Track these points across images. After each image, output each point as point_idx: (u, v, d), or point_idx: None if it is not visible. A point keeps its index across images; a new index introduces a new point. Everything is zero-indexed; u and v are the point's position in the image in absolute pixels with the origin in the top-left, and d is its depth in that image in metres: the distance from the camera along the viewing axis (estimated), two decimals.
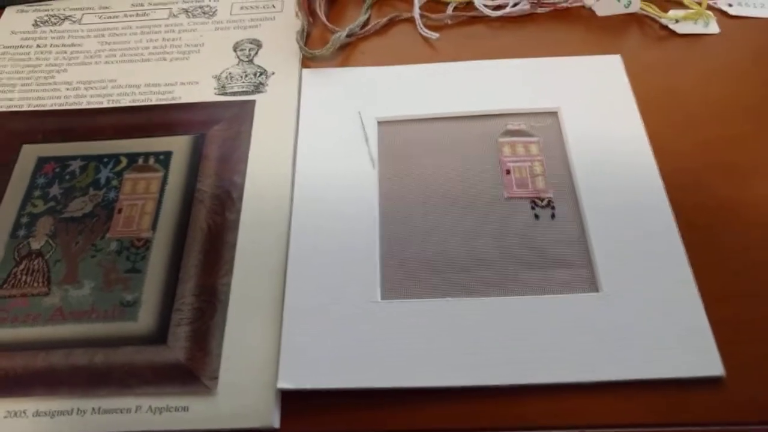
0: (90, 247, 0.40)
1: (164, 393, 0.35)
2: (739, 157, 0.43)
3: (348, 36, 0.51)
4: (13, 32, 0.54)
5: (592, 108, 0.45)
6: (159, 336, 0.37)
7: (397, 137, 0.45)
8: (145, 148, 0.45)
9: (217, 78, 0.49)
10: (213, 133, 0.46)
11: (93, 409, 0.34)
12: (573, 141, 0.44)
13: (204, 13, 0.55)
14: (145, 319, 0.37)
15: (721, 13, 0.53)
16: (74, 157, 0.45)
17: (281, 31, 0.52)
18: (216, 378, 0.35)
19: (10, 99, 0.49)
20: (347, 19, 0.54)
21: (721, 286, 0.37)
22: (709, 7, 0.53)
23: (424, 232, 0.40)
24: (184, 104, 0.48)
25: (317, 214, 0.41)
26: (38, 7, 0.56)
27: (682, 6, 0.53)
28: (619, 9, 0.52)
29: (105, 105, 0.48)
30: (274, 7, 0.55)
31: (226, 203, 0.42)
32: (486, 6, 0.53)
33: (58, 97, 0.49)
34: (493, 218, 0.41)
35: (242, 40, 0.52)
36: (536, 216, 0.41)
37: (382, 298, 0.38)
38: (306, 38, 0.52)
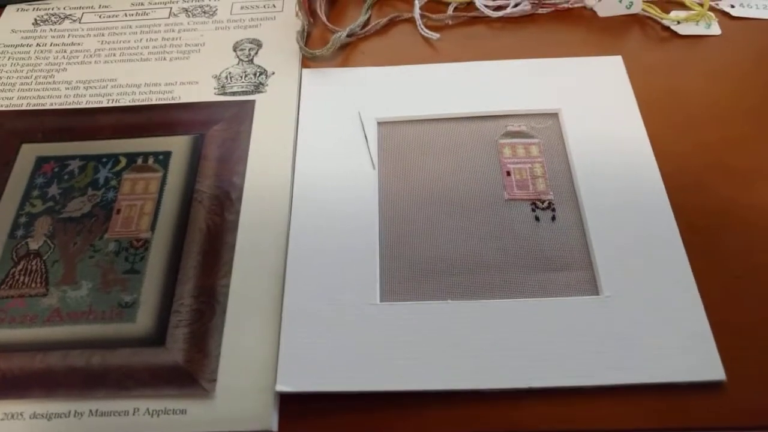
0: (88, 248, 0.40)
1: (162, 395, 0.34)
2: (740, 159, 0.43)
3: (348, 36, 0.51)
4: (13, 31, 0.54)
5: (593, 109, 0.45)
6: (157, 338, 0.36)
7: (397, 138, 0.45)
8: (145, 148, 0.45)
9: (217, 78, 0.49)
10: (212, 133, 0.45)
11: (90, 411, 0.34)
12: (574, 142, 0.43)
13: (204, 12, 0.54)
14: (143, 320, 0.37)
15: (723, 15, 0.53)
16: (73, 157, 0.45)
17: (281, 31, 0.52)
18: (214, 380, 0.35)
19: (10, 98, 0.49)
20: (347, 19, 0.54)
21: (722, 290, 0.37)
22: (711, 9, 0.52)
23: (424, 234, 0.40)
24: (184, 104, 0.48)
25: (317, 214, 0.41)
26: (38, 6, 0.56)
27: (684, 7, 0.53)
28: (620, 10, 0.52)
29: (104, 104, 0.48)
30: (274, 6, 0.55)
31: (225, 204, 0.42)
32: (487, 6, 0.53)
33: (58, 97, 0.49)
34: (493, 220, 0.40)
35: (242, 40, 0.52)
36: (537, 218, 0.40)
37: (382, 300, 0.38)
38: (306, 38, 0.52)
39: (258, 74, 0.49)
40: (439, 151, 0.44)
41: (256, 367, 0.35)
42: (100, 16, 0.55)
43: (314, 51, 0.50)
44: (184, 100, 0.48)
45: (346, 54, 0.51)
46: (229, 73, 0.49)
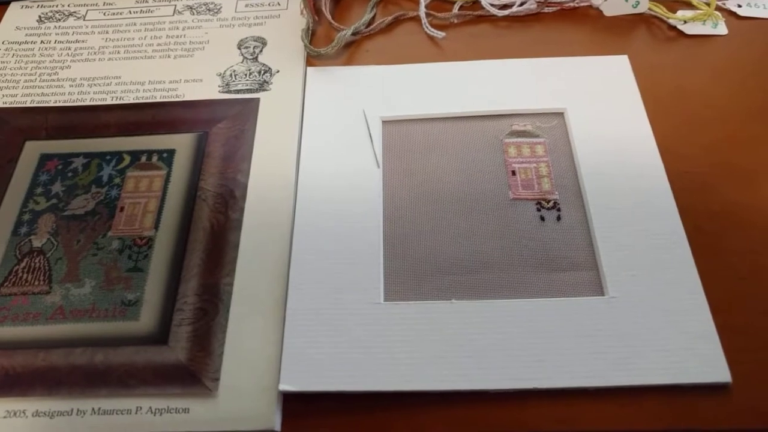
0: (91, 246, 0.40)
1: (165, 394, 0.34)
2: (747, 159, 0.43)
3: (353, 34, 0.51)
4: (17, 28, 0.54)
5: (599, 109, 0.45)
6: (160, 336, 0.36)
7: (402, 137, 0.45)
8: (148, 145, 0.45)
9: (222, 76, 0.49)
10: (216, 131, 0.45)
11: (93, 409, 0.34)
12: (579, 142, 0.43)
13: (209, 10, 0.54)
14: (146, 318, 0.37)
15: (730, 14, 0.52)
16: (77, 154, 0.45)
17: (286, 29, 0.52)
18: (217, 379, 0.34)
19: (14, 95, 0.49)
20: (352, 17, 0.53)
21: (728, 291, 0.37)
22: (718, 8, 0.52)
23: (429, 233, 0.40)
24: (188, 102, 0.47)
25: (320, 213, 0.41)
26: (43, 3, 0.56)
27: (691, 7, 0.52)
28: (626, 9, 0.52)
29: (108, 102, 0.48)
30: (279, 4, 0.54)
31: (229, 202, 0.42)
32: (492, 5, 0.52)
33: (62, 94, 0.49)
34: (498, 219, 0.40)
35: (247, 38, 0.52)
36: (542, 218, 0.40)
37: (385, 299, 0.37)
38: (311, 36, 0.52)
39: (262, 72, 0.49)
40: (444, 150, 0.44)
41: (260, 366, 0.35)
42: (104, 14, 0.55)
43: (319, 49, 0.49)
44: (188, 97, 0.48)
45: (350, 52, 0.51)
46: (234, 71, 0.49)
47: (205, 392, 0.34)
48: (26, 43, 0.53)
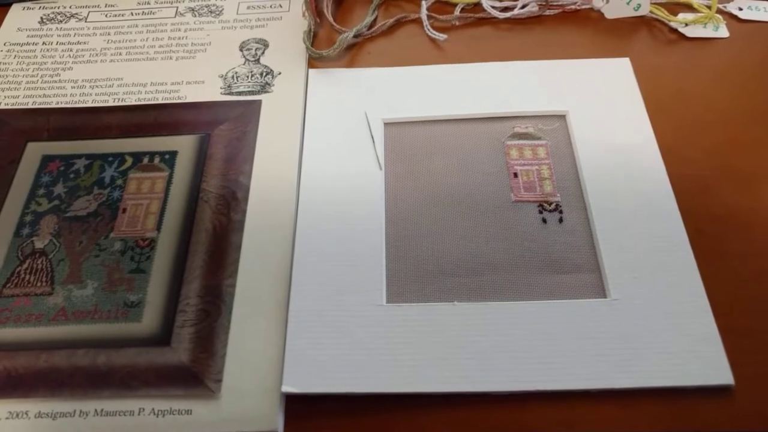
0: (94, 247, 0.40)
1: (167, 395, 0.34)
2: (749, 162, 0.43)
3: (355, 36, 0.51)
4: (19, 29, 0.54)
5: (601, 111, 0.45)
6: (163, 337, 0.36)
7: (404, 139, 0.45)
8: (151, 147, 0.45)
9: (223, 77, 0.49)
10: (218, 132, 0.45)
11: (95, 410, 0.34)
12: (581, 144, 0.43)
13: (210, 12, 0.54)
14: (148, 320, 0.37)
15: (731, 17, 0.52)
16: (79, 156, 0.45)
17: (288, 31, 0.52)
18: (220, 381, 0.34)
19: (16, 96, 0.49)
20: (354, 19, 0.53)
21: (730, 294, 0.37)
22: (719, 11, 0.52)
23: (431, 235, 0.40)
24: (190, 103, 0.47)
25: (323, 215, 0.41)
26: (44, 5, 0.56)
27: (692, 9, 0.53)
28: (628, 12, 0.52)
29: (110, 103, 0.48)
30: (281, 6, 0.55)
31: (232, 204, 0.42)
32: (494, 8, 0.53)
33: (64, 95, 0.49)
34: (500, 222, 0.40)
35: (249, 40, 0.52)
36: (544, 220, 0.40)
37: (388, 301, 0.37)
38: (313, 38, 0.52)
39: (264, 74, 0.49)
40: (446, 152, 0.44)
41: (262, 367, 0.35)
42: (106, 15, 0.55)
43: (321, 51, 0.50)
44: (190, 99, 0.48)
45: (352, 54, 0.51)
46: (236, 72, 0.49)
47: (208, 394, 0.34)
48: (28, 44, 0.53)
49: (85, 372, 0.35)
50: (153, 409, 0.34)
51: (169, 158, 0.44)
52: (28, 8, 0.56)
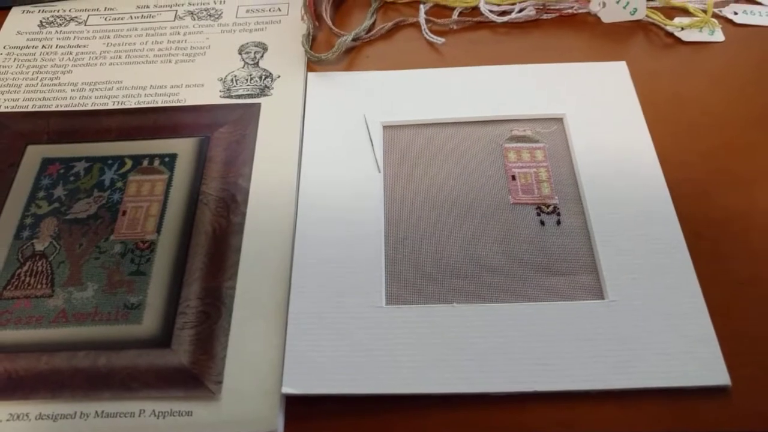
0: (94, 249, 0.40)
1: (168, 397, 0.34)
2: (744, 165, 0.43)
3: (353, 40, 0.51)
4: (18, 33, 0.54)
5: (598, 114, 0.45)
6: (163, 339, 0.36)
7: (403, 142, 0.45)
8: (150, 150, 0.45)
9: (223, 81, 0.49)
10: (218, 135, 0.46)
11: (96, 412, 0.34)
12: (578, 147, 0.44)
13: (210, 15, 0.55)
14: (149, 322, 0.37)
15: (727, 21, 0.53)
16: (79, 159, 0.45)
17: (287, 35, 0.52)
18: (220, 382, 0.35)
19: (15, 99, 0.49)
20: (353, 23, 0.54)
21: (727, 296, 0.37)
22: (715, 15, 0.53)
23: (430, 237, 0.40)
24: (189, 106, 0.48)
25: (322, 217, 0.41)
26: (44, 8, 0.56)
27: (688, 14, 0.53)
28: (624, 16, 0.52)
29: (110, 106, 0.48)
30: (279, 10, 0.55)
31: (231, 206, 0.42)
32: (491, 11, 0.53)
33: (64, 98, 0.49)
34: (498, 224, 0.41)
35: (248, 43, 0.52)
36: (542, 222, 0.41)
37: (387, 303, 0.38)
38: (311, 42, 0.52)
39: (263, 77, 0.49)
40: (445, 155, 0.44)
41: (262, 369, 0.35)
42: (105, 19, 0.55)
43: (320, 55, 0.50)
44: (189, 102, 0.48)
45: (351, 58, 0.51)
46: (235, 76, 0.50)
47: (208, 395, 0.34)
48: (27, 47, 0.53)
49: (85, 374, 0.35)
50: (153, 410, 0.34)
51: (169, 161, 0.44)
52: (28, 12, 0.56)
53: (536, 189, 0.42)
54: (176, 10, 0.55)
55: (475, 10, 0.54)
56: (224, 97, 0.48)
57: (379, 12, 0.55)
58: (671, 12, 0.53)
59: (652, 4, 0.53)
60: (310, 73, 0.50)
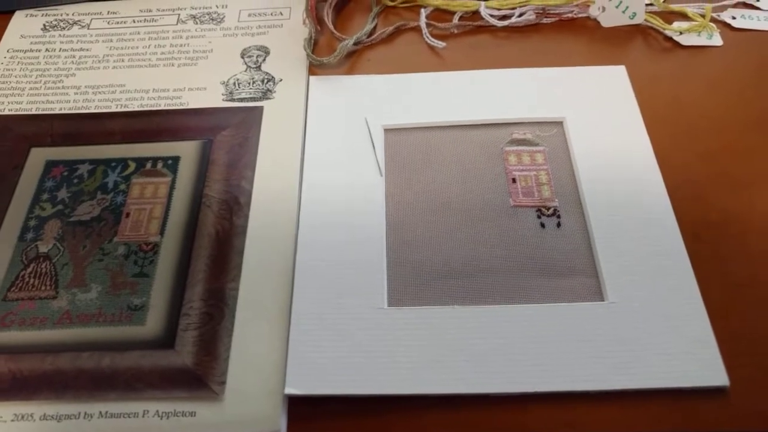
0: (97, 251, 0.41)
1: (171, 397, 0.35)
2: (742, 168, 0.44)
3: (355, 44, 0.52)
4: (22, 36, 0.55)
5: (598, 118, 0.46)
6: (167, 340, 0.37)
7: (404, 145, 0.45)
8: (153, 152, 0.45)
9: (225, 84, 0.50)
10: (220, 138, 0.46)
11: (100, 413, 0.34)
12: (578, 150, 0.44)
13: (212, 19, 0.55)
14: (152, 323, 0.37)
15: (725, 26, 0.53)
16: (82, 161, 0.45)
17: (289, 39, 0.53)
18: (223, 383, 0.35)
19: (19, 102, 0.49)
20: (354, 27, 0.54)
21: (725, 297, 0.38)
22: (713, 20, 0.53)
23: (431, 239, 0.41)
24: (192, 110, 0.48)
25: (324, 220, 0.41)
26: (47, 12, 0.56)
27: (686, 18, 0.53)
28: (623, 20, 0.53)
29: (113, 109, 0.48)
30: (281, 14, 0.55)
31: (234, 208, 0.42)
32: (492, 16, 0.53)
33: (67, 101, 0.49)
34: (499, 226, 0.41)
35: (250, 47, 0.52)
36: (542, 225, 0.41)
37: (389, 304, 0.38)
38: (313, 46, 0.52)
39: (266, 81, 0.50)
40: (446, 158, 0.44)
41: (265, 369, 0.36)
42: (108, 23, 0.55)
43: (321, 58, 0.50)
44: (192, 105, 0.48)
45: (352, 62, 0.52)
46: (237, 79, 0.50)
47: (212, 396, 0.35)
48: (31, 51, 0.53)
49: (89, 374, 0.36)
50: (157, 411, 0.34)
51: (172, 163, 0.45)
52: (31, 15, 0.56)
53: (536, 192, 0.42)
54: (179, 14, 0.56)
55: (476, 14, 0.54)
56: (227, 100, 0.48)
57: (381, 16, 0.55)
58: (670, 16, 0.54)
59: (651, 8, 0.53)
60: (312, 77, 0.50)
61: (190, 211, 0.42)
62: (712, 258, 0.39)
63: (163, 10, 0.56)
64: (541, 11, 0.54)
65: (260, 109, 0.48)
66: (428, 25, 0.53)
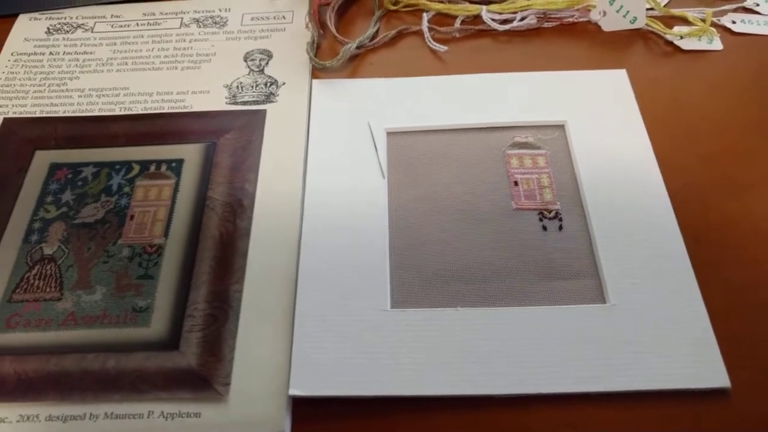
0: (102, 253, 0.41)
1: (176, 399, 0.35)
2: (743, 171, 0.44)
3: (357, 48, 0.52)
4: (26, 39, 0.55)
5: (599, 121, 0.46)
6: (171, 342, 0.37)
7: (407, 148, 0.46)
8: (157, 155, 0.46)
9: (228, 87, 0.50)
10: (224, 141, 0.46)
11: (105, 414, 0.35)
12: (580, 154, 0.44)
13: (215, 23, 0.55)
14: (157, 324, 0.38)
15: (725, 30, 0.54)
16: (86, 164, 0.45)
17: (291, 42, 0.53)
18: (228, 384, 0.35)
19: (23, 105, 0.49)
20: (357, 31, 0.54)
21: (726, 300, 0.38)
22: (713, 24, 0.53)
23: (434, 242, 0.41)
24: (196, 113, 0.48)
25: (328, 222, 0.42)
26: (51, 15, 0.57)
27: (687, 23, 0.54)
28: (624, 25, 0.53)
29: (117, 112, 0.49)
30: (284, 18, 0.56)
31: (238, 211, 0.42)
32: (493, 20, 0.54)
33: (71, 104, 0.49)
34: (501, 229, 0.41)
35: (253, 51, 0.53)
36: (544, 227, 0.41)
37: (392, 307, 0.38)
38: (316, 49, 0.53)
39: (269, 84, 0.50)
40: (448, 161, 0.45)
41: (269, 371, 0.36)
42: (112, 26, 0.56)
43: (324, 62, 0.50)
44: (195, 108, 0.49)
45: (355, 65, 0.52)
46: (240, 83, 0.50)
47: (216, 397, 0.35)
48: (35, 54, 0.54)
49: (95, 376, 0.36)
50: (162, 412, 0.35)
51: (176, 166, 0.45)
52: (35, 19, 0.57)
53: (538, 195, 0.43)
54: (182, 18, 0.56)
55: (477, 18, 0.54)
56: (230, 103, 0.49)
57: (383, 20, 0.56)
58: (670, 21, 0.54)
59: (651, 13, 0.54)
60: (314, 80, 0.50)
61: (194, 213, 0.42)
62: (713, 260, 0.40)
63: (167, 14, 0.56)
64: (542, 15, 0.54)
65: (263, 112, 0.48)
66: (430, 29, 0.54)
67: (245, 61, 0.52)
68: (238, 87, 0.50)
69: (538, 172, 0.44)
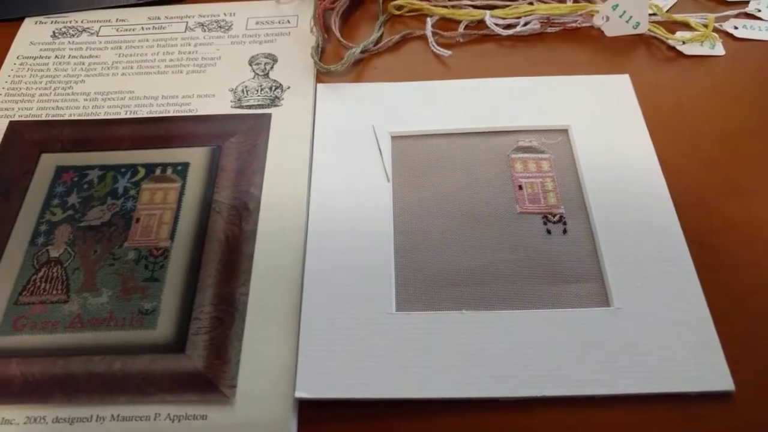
0: (108, 256, 0.41)
1: (183, 401, 0.35)
2: (745, 175, 0.44)
3: (362, 52, 0.52)
4: (31, 43, 0.55)
5: (602, 126, 0.46)
6: (177, 344, 0.37)
7: (411, 152, 0.46)
8: (163, 158, 0.46)
9: (234, 91, 0.50)
10: (229, 145, 0.46)
11: (112, 416, 0.35)
12: (584, 158, 0.44)
13: (220, 27, 0.56)
14: (163, 327, 0.38)
15: (727, 36, 0.54)
16: (92, 167, 0.46)
17: (296, 47, 0.53)
18: (234, 387, 0.35)
19: (29, 108, 0.50)
20: (361, 35, 0.55)
21: (730, 303, 0.38)
22: (716, 30, 0.54)
23: (438, 245, 0.41)
24: (201, 116, 0.48)
25: (333, 226, 0.42)
26: (56, 19, 0.57)
27: (689, 28, 0.54)
28: (627, 30, 0.53)
29: (122, 116, 0.49)
30: (289, 22, 0.56)
31: (243, 214, 0.42)
32: (497, 25, 0.54)
33: (77, 108, 0.50)
34: (506, 233, 0.41)
35: (258, 55, 0.53)
36: (548, 231, 0.41)
37: (397, 309, 0.38)
38: (321, 54, 0.53)
39: (274, 88, 0.50)
40: (452, 165, 0.45)
41: (275, 373, 0.36)
42: (117, 30, 0.56)
43: (329, 66, 0.51)
44: (201, 112, 0.49)
45: (359, 69, 0.52)
46: (245, 86, 0.50)
47: (223, 399, 0.35)
48: (41, 57, 0.54)
49: (101, 378, 0.36)
50: (168, 414, 0.35)
51: (182, 169, 0.45)
52: (41, 22, 0.57)
53: (543, 198, 0.43)
54: (187, 22, 0.56)
55: (481, 23, 0.54)
56: (235, 107, 0.49)
57: (387, 25, 0.56)
58: (673, 26, 0.54)
59: (654, 18, 0.54)
60: (319, 84, 0.50)
61: (200, 216, 0.43)
62: (716, 263, 0.40)
63: (172, 18, 0.57)
64: (545, 20, 0.54)
65: (268, 116, 0.48)
66: (434, 33, 0.54)
67: (250, 65, 0.52)
68: (243, 91, 0.50)
69: (542, 176, 0.44)
